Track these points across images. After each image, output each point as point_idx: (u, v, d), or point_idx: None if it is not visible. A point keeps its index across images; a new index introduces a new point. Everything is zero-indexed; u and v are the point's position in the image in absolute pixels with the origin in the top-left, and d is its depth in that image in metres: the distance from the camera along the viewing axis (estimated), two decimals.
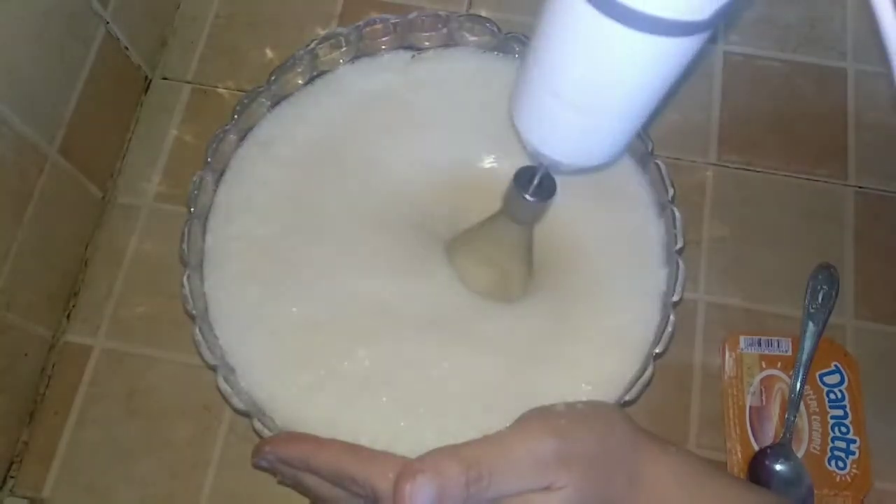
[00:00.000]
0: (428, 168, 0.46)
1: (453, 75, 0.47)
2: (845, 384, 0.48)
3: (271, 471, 0.38)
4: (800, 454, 0.47)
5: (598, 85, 0.30)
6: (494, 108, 0.46)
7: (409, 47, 0.48)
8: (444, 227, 0.46)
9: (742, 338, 0.49)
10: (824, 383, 0.48)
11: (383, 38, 0.47)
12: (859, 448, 0.47)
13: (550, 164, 0.36)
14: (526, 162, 0.38)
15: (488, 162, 0.47)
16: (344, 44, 0.47)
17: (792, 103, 0.56)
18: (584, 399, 0.40)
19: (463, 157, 0.47)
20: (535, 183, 0.37)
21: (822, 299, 0.49)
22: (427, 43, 0.48)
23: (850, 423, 0.47)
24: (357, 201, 0.45)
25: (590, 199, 0.45)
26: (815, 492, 0.46)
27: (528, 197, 0.37)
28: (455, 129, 0.47)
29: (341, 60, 0.48)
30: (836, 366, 0.48)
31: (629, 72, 0.29)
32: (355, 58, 0.48)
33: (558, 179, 0.46)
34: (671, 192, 0.44)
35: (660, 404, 0.48)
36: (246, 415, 0.39)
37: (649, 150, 0.45)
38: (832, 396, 0.48)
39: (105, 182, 0.53)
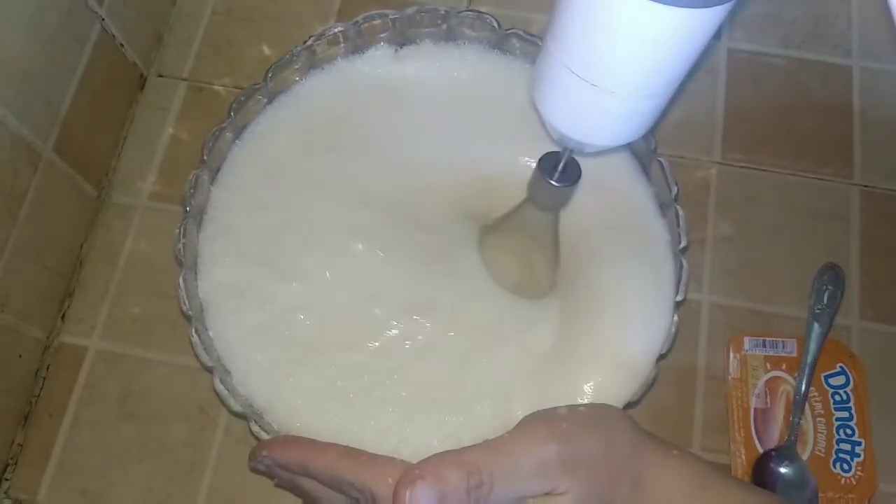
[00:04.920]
0: (425, 162, 0.46)
1: (440, 70, 0.47)
2: (850, 386, 0.47)
3: (268, 474, 0.38)
4: (804, 456, 0.46)
5: (619, 63, 0.30)
6: (488, 102, 0.46)
7: (407, 44, 0.47)
8: (447, 221, 0.46)
9: (747, 339, 0.49)
10: (829, 385, 0.48)
11: (382, 34, 0.47)
12: (864, 450, 0.46)
13: (575, 146, 0.36)
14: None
15: (486, 160, 0.46)
16: (342, 40, 0.46)
17: (797, 101, 0.55)
18: (586, 401, 0.40)
19: (464, 154, 0.46)
20: (560, 168, 0.37)
21: (828, 300, 0.49)
22: (428, 39, 0.47)
23: (856, 424, 0.47)
24: (355, 197, 0.45)
25: (592, 198, 0.45)
26: (820, 494, 0.45)
27: (553, 182, 0.37)
28: (452, 126, 0.46)
29: (339, 57, 0.47)
30: (841, 367, 0.48)
31: (651, 48, 0.29)
32: (353, 54, 0.47)
33: None
34: (674, 190, 0.43)
35: (663, 406, 0.48)
36: (242, 417, 0.39)
37: (652, 148, 0.44)
38: (837, 398, 0.47)
39: (100, 181, 0.52)
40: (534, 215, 0.41)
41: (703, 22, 0.28)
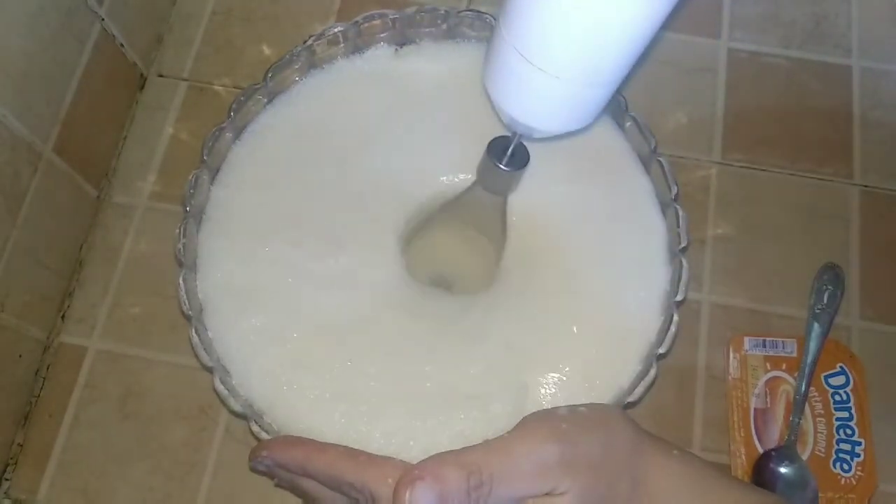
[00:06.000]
0: (425, 162, 0.46)
1: (440, 70, 0.47)
2: (850, 386, 0.47)
3: (268, 474, 0.38)
4: (804, 456, 0.46)
5: (565, 47, 0.30)
6: (488, 101, 0.45)
7: (407, 43, 0.47)
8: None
9: (747, 339, 0.49)
10: (829, 385, 0.48)
11: (382, 34, 0.47)
12: (864, 450, 0.46)
13: (524, 131, 0.36)
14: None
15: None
16: (342, 40, 0.46)
17: (797, 101, 0.55)
18: (585, 401, 0.40)
19: (464, 154, 0.46)
20: (509, 153, 0.38)
21: (828, 300, 0.49)
22: (428, 39, 0.47)
23: (856, 424, 0.47)
24: (355, 196, 0.45)
25: (592, 197, 0.45)
26: (820, 494, 0.45)
27: (502, 167, 0.38)
28: (452, 125, 0.46)
29: (339, 56, 0.47)
30: (841, 367, 0.48)
31: (596, 33, 0.29)
32: (353, 54, 0.47)
33: (561, 176, 0.45)
34: (675, 190, 0.43)
35: (663, 406, 0.48)
36: (243, 417, 0.39)
37: (652, 147, 0.44)
38: (837, 398, 0.47)
39: (100, 181, 0.52)
40: (482, 198, 0.42)
41: (647, 10, 0.28)
